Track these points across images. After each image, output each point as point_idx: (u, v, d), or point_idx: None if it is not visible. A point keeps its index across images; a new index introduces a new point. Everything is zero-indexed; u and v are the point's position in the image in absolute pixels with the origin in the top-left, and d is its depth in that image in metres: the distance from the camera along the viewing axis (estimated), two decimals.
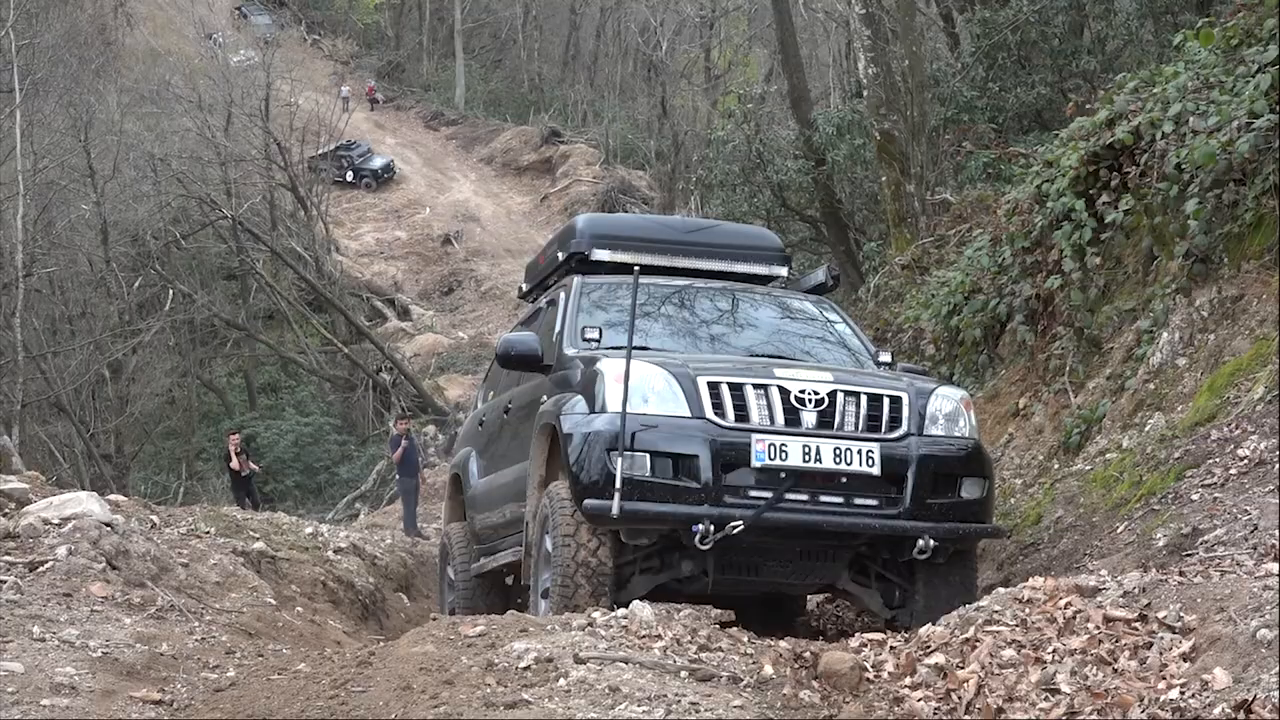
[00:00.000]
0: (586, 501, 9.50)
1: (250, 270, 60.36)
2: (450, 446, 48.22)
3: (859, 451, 9.57)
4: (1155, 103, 13.07)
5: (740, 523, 9.28)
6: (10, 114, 43.38)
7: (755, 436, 9.49)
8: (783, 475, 9.49)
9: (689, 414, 9.54)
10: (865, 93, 25.99)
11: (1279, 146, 11.07)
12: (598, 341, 10.39)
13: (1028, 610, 7.42)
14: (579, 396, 10.08)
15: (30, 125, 45.36)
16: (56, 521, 9.73)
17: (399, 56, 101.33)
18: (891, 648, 7.78)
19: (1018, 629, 7.23)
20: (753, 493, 9.48)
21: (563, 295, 11.94)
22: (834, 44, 60.21)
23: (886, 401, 9.85)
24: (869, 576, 10.27)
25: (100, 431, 49.87)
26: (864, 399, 9.80)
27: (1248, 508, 8.77)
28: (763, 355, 11.06)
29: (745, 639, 8.17)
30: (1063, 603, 7.34)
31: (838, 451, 9.53)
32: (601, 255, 12.24)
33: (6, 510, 10.13)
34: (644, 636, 7.81)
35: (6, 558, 9.11)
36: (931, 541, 9.57)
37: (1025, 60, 29.64)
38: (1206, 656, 6.35)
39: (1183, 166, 11.91)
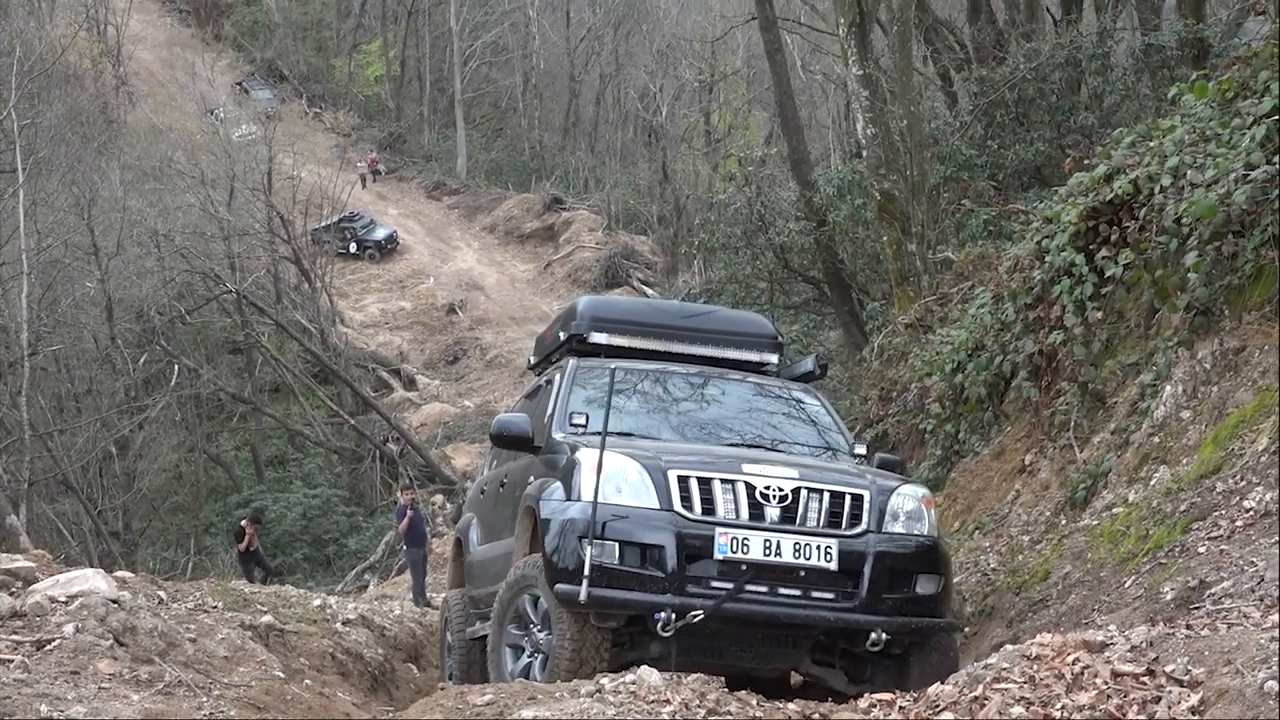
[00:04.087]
0: (558, 586, 9.83)
1: (255, 344, 60.49)
2: (458, 515, 48.19)
3: (818, 547, 9.92)
4: (1153, 157, 13.11)
5: (700, 612, 9.60)
6: (14, 194, 43.55)
7: (719, 530, 9.82)
8: (743, 568, 9.79)
9: (658, 506, 9.89)
10: (865, 153, 26.07)
11: (1276, 197, 11.09)
12: (584, 427, 10.78)
13: (1036, 667, 7.40)
14: (559, 483, 10.46)
15: (34, 204, 45.53)
16: (63, 599, 9.71)
17: (400, 128, 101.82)
18: (900, 708, 7.76)
19: (1026, 686, 7.21)
20: (715, 583, 9.78)
21: (558, 377, 12.32)
22: (833, 105, 60.55)
23: (848, 499, 10.20)
24: (833, 656, 10.57)
25: (108, 508, 49.80)
26: (827, 496, 10.15)
27: (1254, 560, 8.75)
28: (742, 444, 11.46)
29: (754, 702, 8.15)
30: (1071, 659, 7.32)
31: (797, 546, 9.87)
32: (598, 339, 12.67)
33: (13, 589, 10.12)
34: (653, 702, 7.79)
35: (14, 636, 9.09)
36: (884, 635, 9.90)
37: (1023, 117, 29.76)
38: (1215, 710, 6.33)
39: (1181, 219, 11.93)
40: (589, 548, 9.67)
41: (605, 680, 8.30)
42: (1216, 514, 9.96)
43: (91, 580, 10.19)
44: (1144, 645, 7.32)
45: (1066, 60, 29.24)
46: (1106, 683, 6.94)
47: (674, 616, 9.58)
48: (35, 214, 45.73)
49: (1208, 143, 12.60)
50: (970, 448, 17.80)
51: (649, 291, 73.26)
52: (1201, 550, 9.54)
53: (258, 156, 66.69)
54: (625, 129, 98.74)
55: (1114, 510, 11.98)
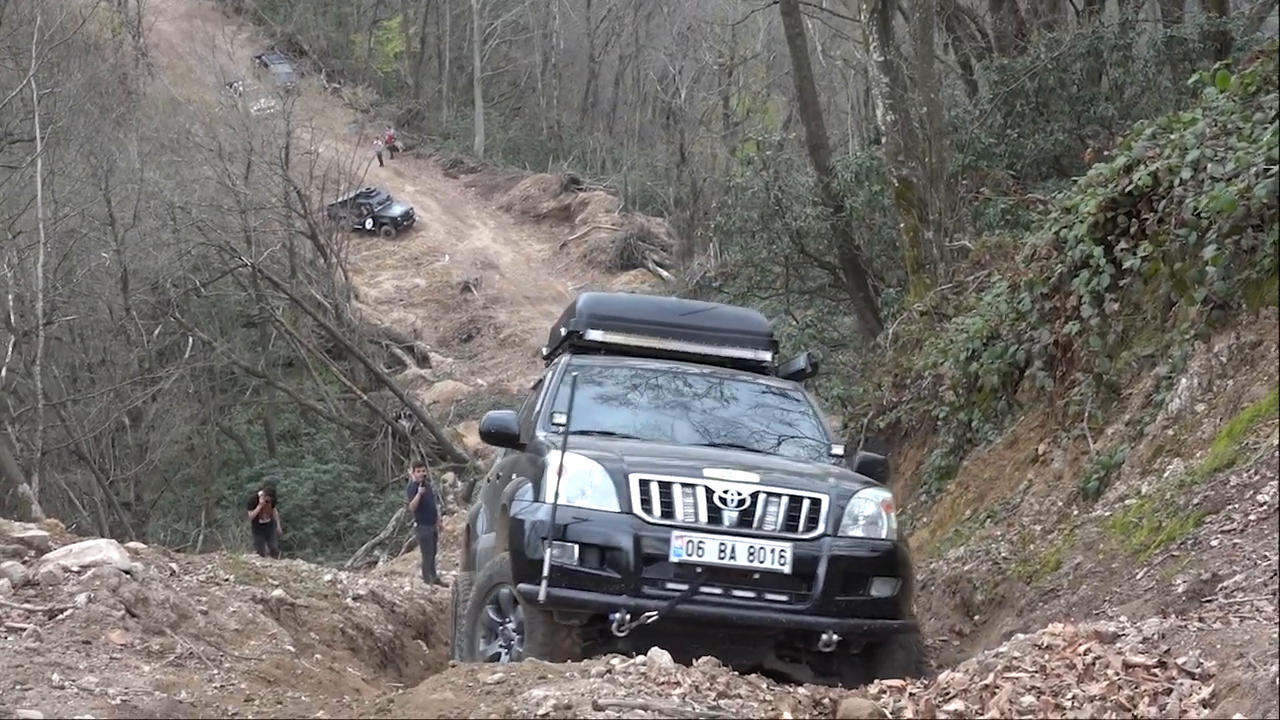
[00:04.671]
0: (520, 585, 10.22)
1: (270, 318, 60.53)
2: (469, 493, 48.29)
3: (772, 550, 10.11)
4: (1173, 149, 13.05)
5: (654, 613, 9.85)
6: (32, 163, 43.60)
7: (676, 533, 10.05)
8: (699, 570, 10.00)
9: (619, 509, 10.12)
10: (883, 139, 26.02)
11: None
12: (565, 426, 10.78)
13: (1047, 656, 7.40)
14: (530, 483, 10.75)
15: (51, 174, 45.58)
16: (76, 569, 9.74)
17: (418, 104, 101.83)
18: (911, 694, 7.75)
19: (1037, 675, 7.20)
20: (670, 585, 10.01)
21: (550, 374, 12.65)
22: (852, 91, 60.42)
23: (807, 503, 10.35)
24: (800, 652, 10.69)
25: (119, 479, 49.91)
26: (785, 500, 10.32)
27: (1267, 553, 8.74)
28: (721, 444, 11.66)
29: (764, 685, 8.16)
30: (1082, 649, 7.31)
31: (752, 550, 10.07)
32: (595, 336, 13.02)
33: (27, 558, 10.15)
34: (663, 683, 7.80)
35: (26, 605, 9.12)
36: (835, 636, 10.09)
37: (1043, 107, 29.67)
38: (1226, 703, 6.32)
39: (1201, 213, 11.88)
40: (548, 549, 9.92)
41: (616, 661, 8.33)
42: (1230, 508, 9.93)
43: (104, 550, 10.22)
44: (1155, 637, 7.32)
45: (1088, 51, 29.15)
46: (1118, 674, 6.93)
47: (629, 617, 9.84)
48: (53, 183, 45.79)
49: (1229, 136, 12.55)
50: (983, 436, 17.79)
51: (664, 274, 73.31)
52: (1214, 543, 9.52)
53: (275, 131, 66.73)
54: (644, 110, 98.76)
55: (1126, 502, 11.96)
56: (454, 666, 9.69)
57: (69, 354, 51.91)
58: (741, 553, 10.02)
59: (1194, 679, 6.69)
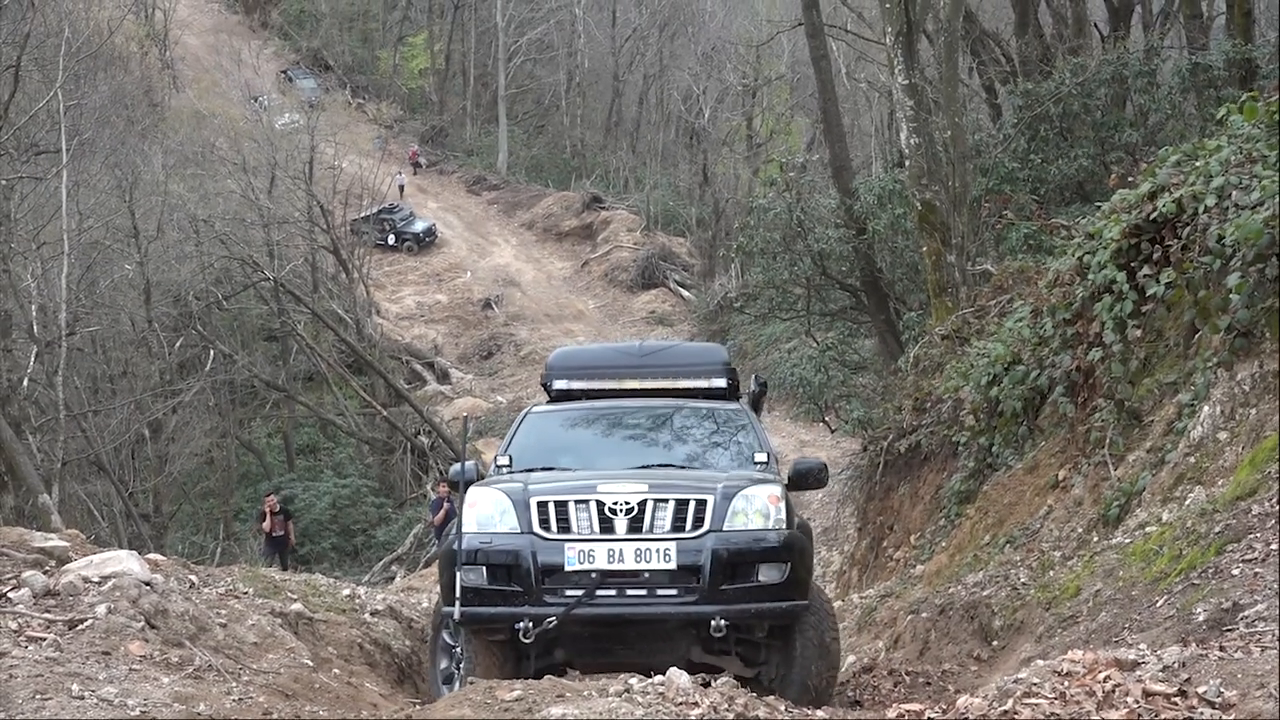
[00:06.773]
0: (444, 607, 11.34)
1: (291, 332, 60.53)
2: None
3: (658, 550, 10.93)
4: (1198, 176, 13.03)
5: (554, 619, 10.74)
6: (57, 174, 43.70)
7: (568, 545, 10.94)
8: (593, 575, 10.85)
9: (520, 530, 11.08)
10: (907, 162, 26.05)
11: None
12: (508, 467, 12.34)
13: (1066, 683, 7.38)
14: (459, 519, 11.60)
15: (76, 185, 45.62)
16: (96, 580, 9.76)
17: (443, 121, 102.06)
18: (929, 718, 7.74)
19: (1056, 702, 7.18)
20: (569, 592, 10.88)
21: (515, 423, 13.78)
22: (876, 114, 60.47)
23: (693, 504, 11.15)
24: (728, 644, 11.51)
25: (139, 490, 49.85)
26: (672, 504, 11.13)
27: None
28: (651, 465, 12.55)
29: (783, 707, 8.15)
30: (1102, 676, 7.29)
31: (639, 552, 10.92)
32: (559, 385, 14.40)
33: (47, 568, 10.16)
34: (681, 704, 7.80)
35: (47, 615, 9.13)
36: (723, 622, 10.83)
37: (1067, 132, 29.70)
38: None
39: (1225, 240, 11.86)
40: (459, 573, 10.91)
41: (634, 680, 8.34)
42: (1251, 536, 9.90)
43: (124, 561, 10.25)
44: (1176, 665, 7.29)
45: (1112, 76, 29.19)
46: (1138, 701, 6.91)
47: (532, 625, 10.72)
48: (77, 195, 45.85)
49: (1254, 164, 12.52)
50: (1003, 461, 17.76)
51: (685, 294, 73.37)
52: (1235, 572, 9.49)
53: (300, 145, 66.82)
54: (667, 130, 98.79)
55: (1147, 529, 11.92)
56: (471, 683, 9.74)
57: (90, 365, 51.88)
58: (629, 555, 10.83)
59: (1214, 708, 6.67)
